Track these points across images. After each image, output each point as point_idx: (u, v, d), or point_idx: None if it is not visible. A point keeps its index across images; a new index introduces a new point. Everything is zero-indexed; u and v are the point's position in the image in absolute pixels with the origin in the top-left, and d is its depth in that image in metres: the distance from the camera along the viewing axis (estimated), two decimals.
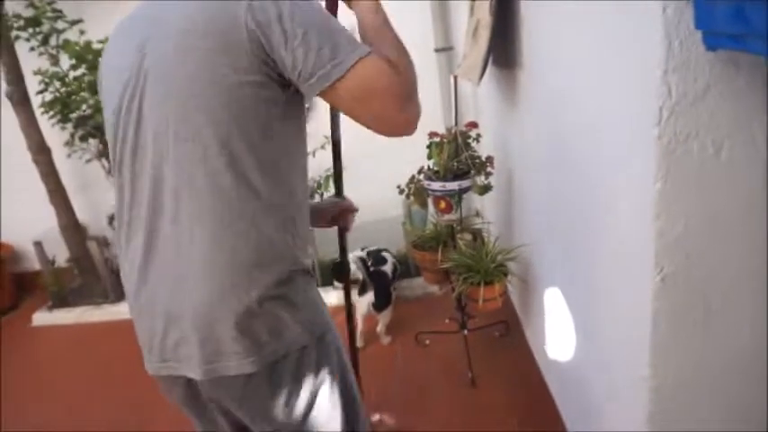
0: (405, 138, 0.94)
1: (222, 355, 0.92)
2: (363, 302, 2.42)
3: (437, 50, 2.87)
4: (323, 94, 0.88)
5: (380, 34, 0.95)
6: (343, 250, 1.52)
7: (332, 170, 1.49)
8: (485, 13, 1.78)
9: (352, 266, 2.61)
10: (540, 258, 1.78)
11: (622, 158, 0.99)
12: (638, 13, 0.84)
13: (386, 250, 2.68)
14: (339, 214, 1.40)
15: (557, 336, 1.69)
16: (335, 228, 1.47)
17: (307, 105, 0.99)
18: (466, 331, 2.16)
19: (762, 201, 0.87)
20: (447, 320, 2.27)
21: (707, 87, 0.79)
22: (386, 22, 0.99)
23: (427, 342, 2.42)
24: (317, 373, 1.01)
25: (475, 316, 2.18)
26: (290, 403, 0.99)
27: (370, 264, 2.56)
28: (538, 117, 1.57)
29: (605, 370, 1.28)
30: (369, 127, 0.92)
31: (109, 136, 0.99)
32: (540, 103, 1.53)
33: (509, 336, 2.33)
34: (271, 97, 0.88)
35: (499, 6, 1.65)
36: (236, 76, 0.84)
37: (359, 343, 2.45)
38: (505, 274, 1.96)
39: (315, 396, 1.02)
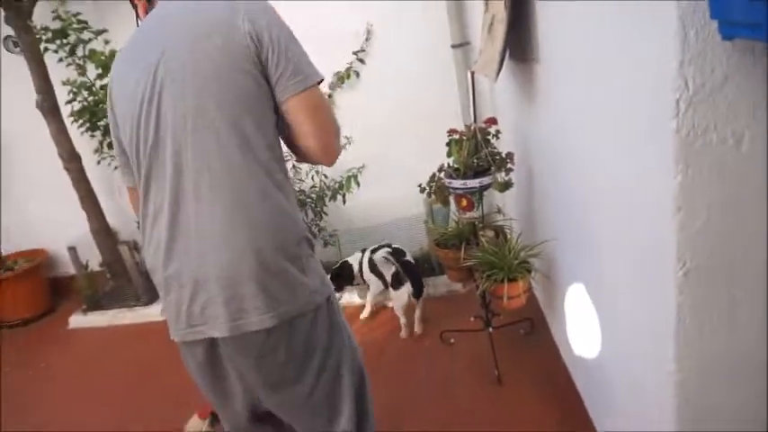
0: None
1: (245, 312, 1.05)
2: (402, 294, 2.48)
3: (454, 46, 2.85)
4: (291, 100, 1.05)
5: None
6: None
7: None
8: (499, 8, 1.77)
9: (366, 265, 2.65)
10: (563, 254, 1.76)
11: (641, 152, 0.97)
12: (653, 4, 0.82)
13: (388, 245, 2.69)
14: None
15: (582, 332, 1.67)
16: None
17: None
18: (491, 329, 2.16)
19: None
20: (472, 318, 2.26)
21: (725, 78, 0.78)
22: None
23: (452, 340, 2.41)
24: (329, 331, 1.16)
25: (499, 314, 2.17)
26: (306, 359, 1.13)
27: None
28: (556, 111, 1.55)
29: (631, 365, 1.27)
30: (312, 138, 1.08)
31: (128, 140, 1.10)
32: (557, 97, 1.52)
33: (534, 333, 2.31)
34: (265, 90, 1.05)
35: (513, 1, 1.64)
36: (242, 74, 1.01)
37: (403, 334, 2.55)
38: (529, 271, 1.94)
39: (329, 353, 1.16)
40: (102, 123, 3.00)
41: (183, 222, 1.05)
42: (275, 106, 1.09)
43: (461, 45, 2.82)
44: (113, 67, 1.18)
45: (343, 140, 2.92)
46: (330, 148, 1.13)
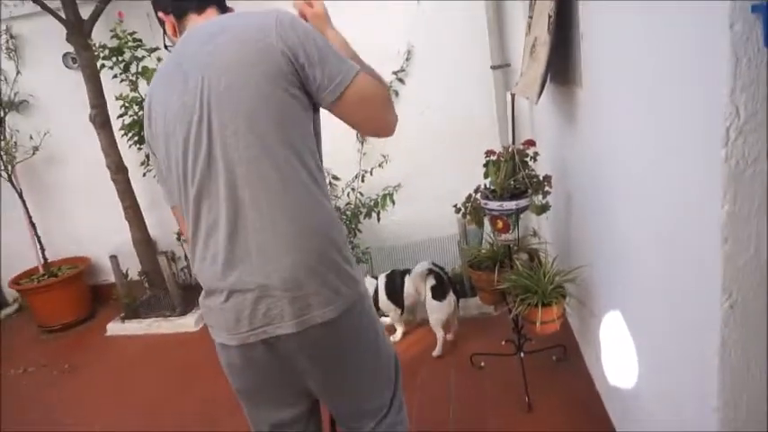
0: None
1: (309, 308, 1.12)
2: (446, 305, 2.48)
3: (493, 68, 2.87)
4: (332, 105, 1.12)
5: (357, 62, 1.17)
6: None
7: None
8: (542, 31, 1.78)
9: (382, 292, 2.64)
10: (601, 280, 1.73)
11: (687, 180, 0.96)
12: (704, 29, 0.82)
13: (407, 271, 2.65)
14: None
15: (618, 362, 1.62)
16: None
17: None
18: (522, 354, 2.12)
19: None
20: (503, 342, 2.23)
21: None
22: (355, 54, 1.24)
23: (482, 364, 2.38)
24: (371, 317, 1.26)
25: (531, 338, 2.13)
26: (358, 345, 1.23)
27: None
28: (598, 136, 1.54)
29: (671, 399, 1.23)
30: (364, 126, 1.23)
31: (176, 160, 1.16)
32: (600, 122, 1.50)
33: (567, 360, 2.26)
34: (306, 103, 1.12)
35: (557, 24, 1.64)
36: (282, 90, 1.08)
37: (437, 351, 2.53)
38: (564, 296, 1.91)
39: (375, 338, 1.27)
40: None
41: (242, 232, 1.11)
42: (315, 115, 1.18)
43: (501, 66, 2.84)
44: (152, 88, 1.22)
45: (380, 159, 2.99)
46: (383, 129, 1.24)
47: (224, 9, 1.28)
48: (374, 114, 1.19)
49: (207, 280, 1.17)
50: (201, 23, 1.19)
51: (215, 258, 1.13)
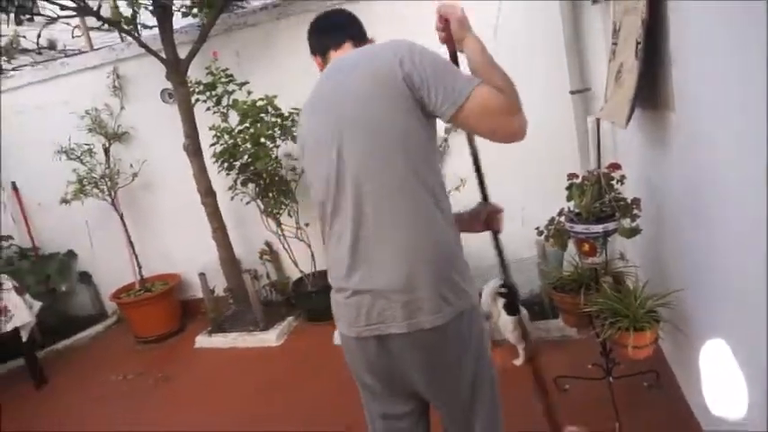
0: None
1: (420, 312, 1.24)
2: (522, 318, 2.51)
3: (572, 92, 2.87)
4: (453, 118, 1.21)
5: (487, 68, 1.25)
6: (501, 253, 1.65)
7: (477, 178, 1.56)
8: (629, 56, 1.79)
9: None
10: (701, 306, 1.69)
11: None
12: None
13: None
14: (489, 216, 1.57)
15: (724, 392, 1.58)
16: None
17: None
18: (611, 379, 2.09)
19: None
20: (590, 366, 2.20)
21: None
22: (490, 58, 1.27)
23: (567, 387, 2.36)
24: (480, 330, 1.36)
25: (620, 363, 2.09)
26: (464, 353, 1.32)
27: None
28: (695, 160, 1.53)
29: None
30: (490, 137, 1.25)
31: (318, 178, 1.33)
32: (697, 146, 1.49)
33: (660, 387, 2.19)
34: (425, 125, 1.24)
35: (645, 50, 1.65)
36: (407, 114, 1.21)
37: (519, 361, 2.63)
38: (657, 321, 1.88)
39: (482, 350, 1.36)
40: (237, 163, 3.33)
41: (363, 242, 1.26)
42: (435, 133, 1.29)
43: (581, 91, 2.84)
44: (302, 116, 1.42)
45: (457, 182, 3.04)
46: (509, 136, 1.24)
47: (361, 40, 1.45)
48: (495, 126, 1.22)
49: (334, 280, 1.35)
50: (339, 57, 1.38)
51: (341, 261, 1.30)
